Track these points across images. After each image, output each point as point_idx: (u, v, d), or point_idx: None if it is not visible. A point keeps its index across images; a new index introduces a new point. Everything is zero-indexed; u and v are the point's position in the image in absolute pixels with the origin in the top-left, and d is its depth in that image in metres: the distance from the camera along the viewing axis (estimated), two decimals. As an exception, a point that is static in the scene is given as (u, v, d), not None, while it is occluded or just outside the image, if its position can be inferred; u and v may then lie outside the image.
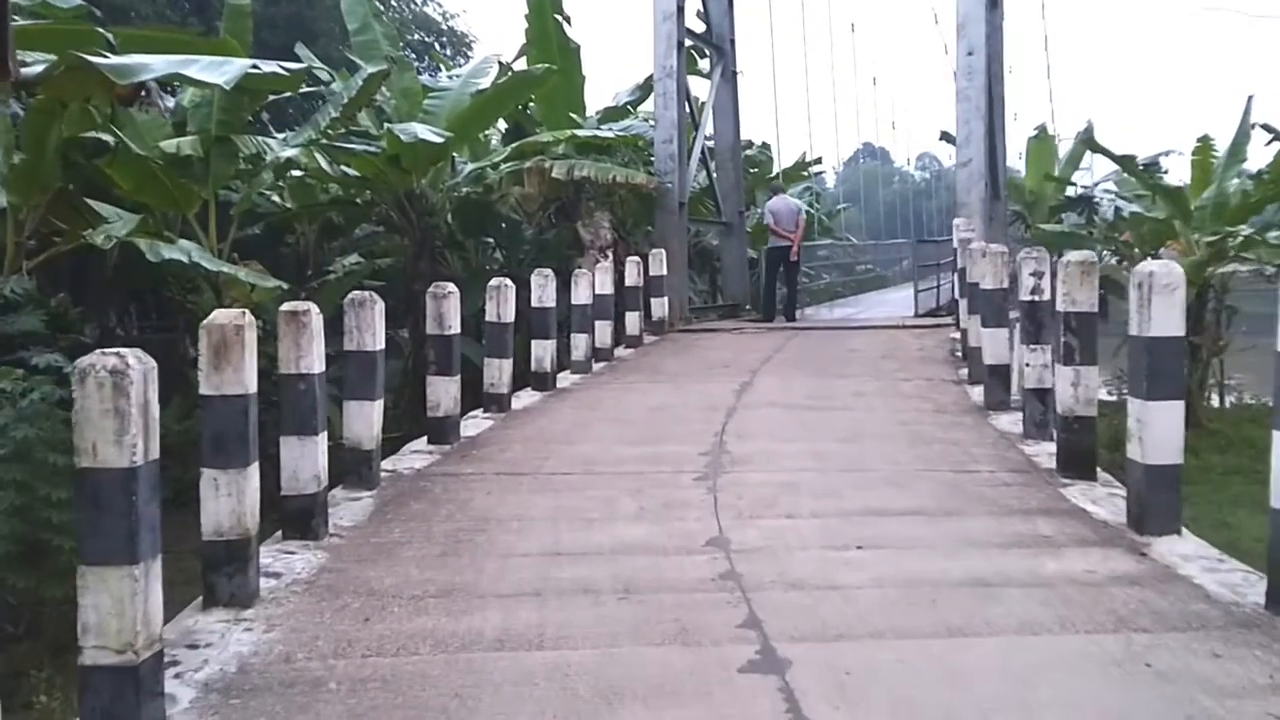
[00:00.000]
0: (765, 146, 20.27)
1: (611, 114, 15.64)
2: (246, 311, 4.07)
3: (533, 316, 9.02)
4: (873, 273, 22.75)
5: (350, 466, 5.77)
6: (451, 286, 6.88)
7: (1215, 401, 16.32)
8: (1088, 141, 15.37)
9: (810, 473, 5.82)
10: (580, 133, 13.22)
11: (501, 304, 7.86)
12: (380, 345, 5.77)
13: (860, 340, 11.41)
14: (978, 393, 8.08)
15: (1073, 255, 5.40)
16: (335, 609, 3.93)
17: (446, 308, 6.80)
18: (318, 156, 11.65)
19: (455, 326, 6.87)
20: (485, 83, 13.07)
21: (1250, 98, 15.31)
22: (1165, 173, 21.34)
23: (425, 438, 6.93)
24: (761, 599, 3.92)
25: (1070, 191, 22.17)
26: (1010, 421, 6.99)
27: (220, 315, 3.97)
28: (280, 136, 11.75)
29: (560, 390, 9.00)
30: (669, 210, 13.70)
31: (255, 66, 7.50)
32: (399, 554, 4.60)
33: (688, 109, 14.48)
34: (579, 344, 9.91)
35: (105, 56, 6.75)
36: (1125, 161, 15.25)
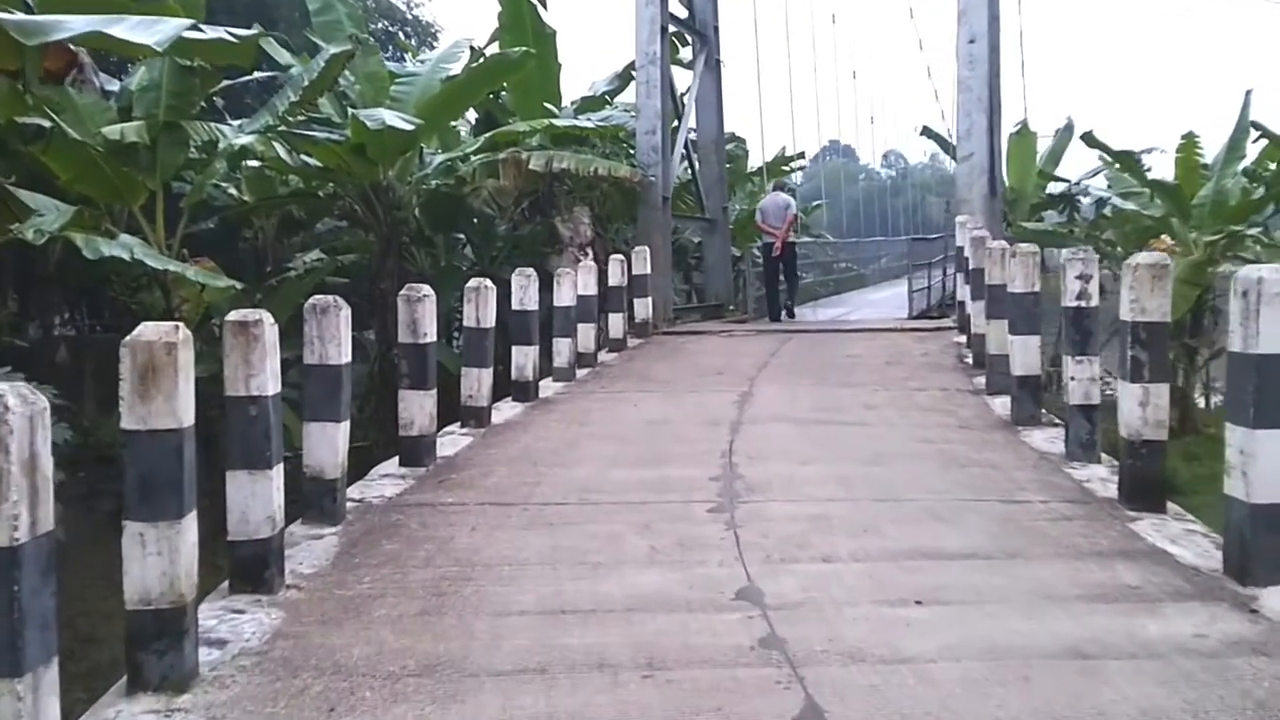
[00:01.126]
0: (740, 140, 19.58)
1: (589, 104, 14.87)
2: (180, 326, 3.29)
3: (512, 320, 8.27)
4: (852, 271, 22.18)
5: (311, 498, 5.00)
6: (426, 289, 6.11)
7: (1202, 403, 15.95)
8: (1085, 137, 14.81)
9: (840, 503, 5.12)
10: (558, 122, 12.45)
11: (481, 307, 7.10)
12: (346, 358, 5.00)
13: (859, 344, 10.76)
14: (1000, 405, 7.43)
15: (1142, 258, 4.74)
16: (292, 695, 3.17)
17: (421, 313, 6.03)
18: (276, 145, 10.83)
19: (431, 334, 6.10)
20: (456, 68, 12.26)
21: (1249, 92, 14.85)
22: (1149, 170, 20.99)
23: (397, 459, 6.16)
24: (817, 677, 3.21)
25: (1054, 188, 21.77)
26: (1046, 440, 6.34)
27: (147, 331, 3.19)
28: (236, 124, 10.90)
29: (544, 401, 8.25)
30: (652, 205, 12.97)
31: (196, 28, 6.64)
32: (370, 612, 3.85)
33: (671, 99, 13.76)
34: (562, 349, 9.16)
35: (11, 13, 5.88)
36: (1123, 158, 14.74)
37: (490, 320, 7.15)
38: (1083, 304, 5.70)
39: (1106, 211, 19.45)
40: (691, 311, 14.36)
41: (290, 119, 10.40)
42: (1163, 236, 17.18)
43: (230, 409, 4.07)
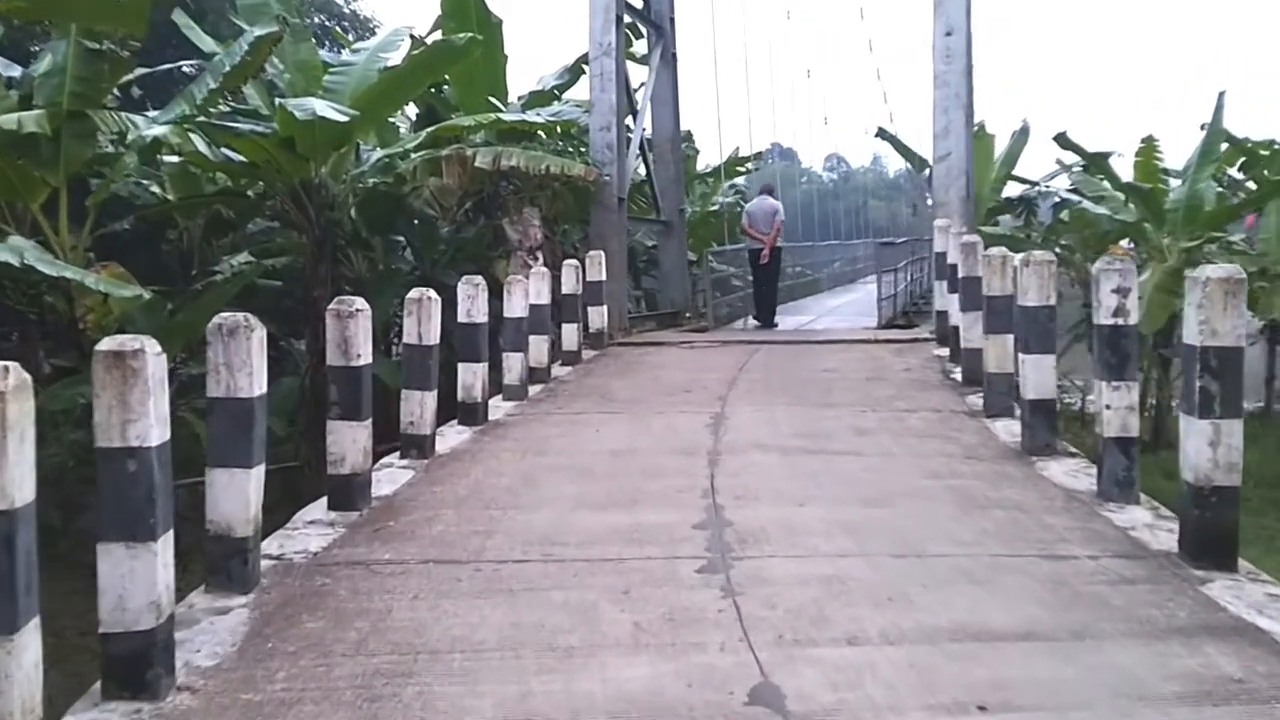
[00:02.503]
0: (689, 137, 18.78)
1: (537, 99, 13.98)
2: (11, 367, 2.39)
3: (459, 334, 7.38)
4: (807, 277, 21.55)
5: (217, 561, 4.09)
6: (360, 303, 5.20)
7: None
8: (1059, 138, 14.31)
9: (852, 559, 4.33)
10: (505, 116, 11.56)
11: (424, 321, 6.20)
12: (259, 388, 4.09)
13: (833, 357, 10.02)
14: (1004, 430, 6.74)
15: (1213, 270, 4.02)
16: None
17: (354, 330, 5.12)
18: (194, 138, 9.80)
19: (365, 354, 5.19)
20: (396, 58, 11.33)
21: (1223, 94, 14.45)
22: (1101, 180, 20.67)
23: (325, 500, 5.24)
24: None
25: (1009, 191, 21.36)
26: (1067, 473, 5.64)
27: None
28: (152, 115, 9.85)
29: (494, 424, 7.37)
30: (607, 206, 12.13)
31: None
32: (282, 729, 2.97)
33: (626, 94, 12.93)
34: (513, 365, 8.29)
35: None
36: (1098, 160, 14.25)
37: (434, 336, 6.25)
38: (1120, 321, 4.99)
39: (1064, 216, 19.09)
40: (646, 320, 13.54)
41: (210, 109, 9.41)
42: (1121, 242, 16.81)
43: (102, 464, 3.17)
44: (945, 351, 9.80)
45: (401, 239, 12.93)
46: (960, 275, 8.15)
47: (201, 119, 9.35)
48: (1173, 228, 14.05)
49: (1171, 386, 15.17)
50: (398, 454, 6.27)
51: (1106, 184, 15.99)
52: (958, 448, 6.32)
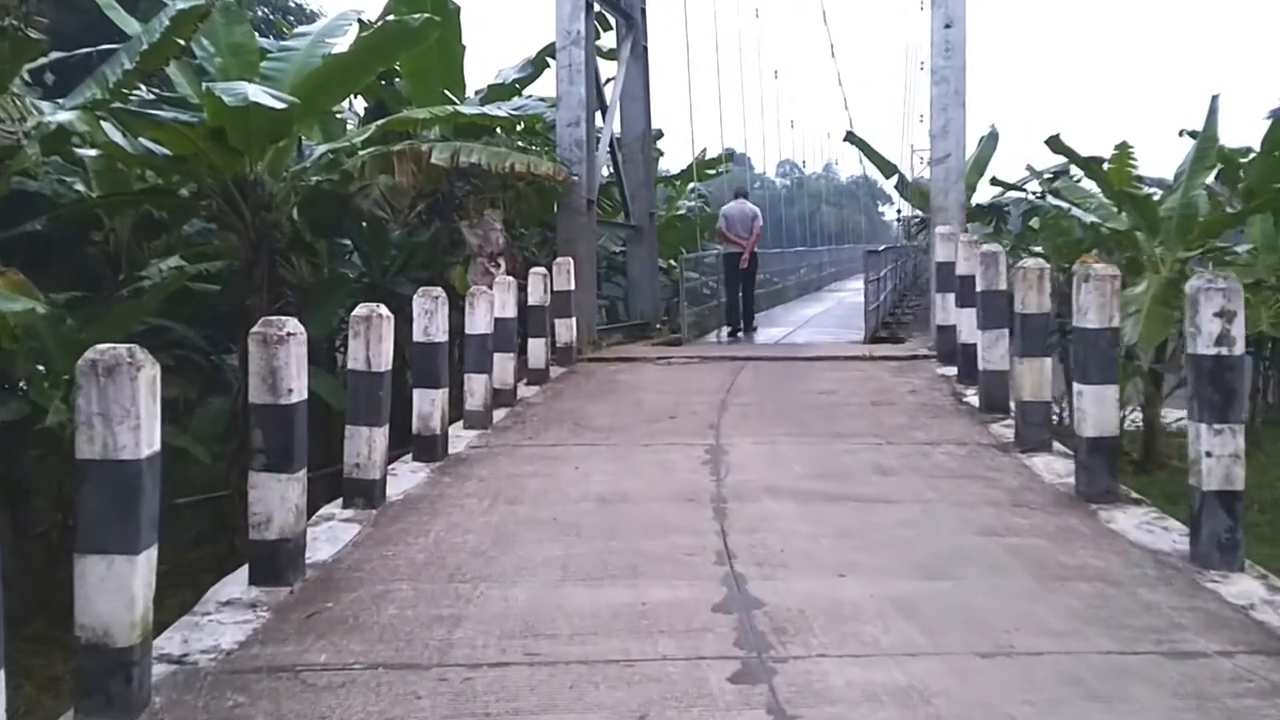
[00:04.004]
0: (660, 136, 17.81)
1: (496, 93, 12.92)
2: None
3: (415, 355, 6.33)
4: (774, 285, 20.69)
5: (91, 678, 3.04)
6: (292, 324, 4.15)
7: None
8: (1051, 141, 13.53)
9: (927, 660, 3.38)
10: (465, 110, 10.51)
11: (373, 344, 5.15)
12: (150, 447, 3.06)
13: (827, 377, 9.11)
14: (1045, 468, 5.86)
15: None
16: None
17: (284, 359, 4.06)
18: (106, 126, 8.62)
19: (299, 389, 4.14)
20: (342, 44, 10.22)
21: (1216, 97, 13.80)
22: (1078, 180, 20.07)
23: (245, 570, 4.19)
24: None
25: (979, 198, 20.72)
26: (1139, 527, 4.76)
27: None
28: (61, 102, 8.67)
29: (455, 460, 6.33)
30: (575, 209, 11.11)
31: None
32: None
33: (596, 87, 11.93)
34: (475, 388, 7.25)
35: None
36: (1091, 164, 13.51)
37: (386, 361, 5.20)
38: (1224, 351, 4.11)
39: (1034, 223, 18.47)
40: (613, 332, 12.53)
41: (126, 93, 8.26)
42: (1093, 251, 16.14)
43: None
44: (951, 370, 8.93)
45: (348, 242, 11.84)
46: (980, 289, 7.27)
47: (116, 105, 8.18)
48: (1165, 237, 13.39)
49: (1163, 402, 14.53)
50: (340, 502, 5.21)
51: (1095, 190, 15.34)
52: (1002, 493, 5.41)
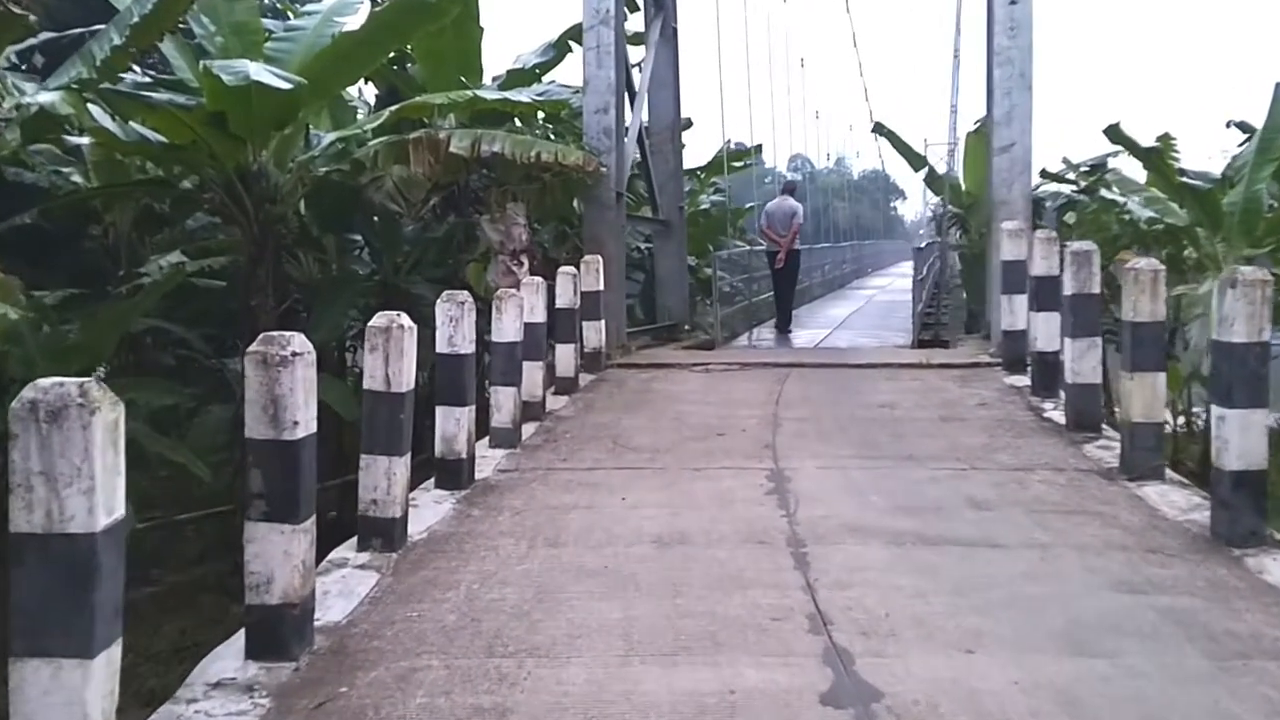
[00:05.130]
0: (689, 125, 16.99)
1: (515, 79, 12.14)
2: None
3: (439, 369, 5.55)
4: (801, 284, 19.83)
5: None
6: (297, 342, 3.38)
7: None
8: (1110, 131, 12.71)
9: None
10: (485, 95, 9.73)
11: (393, 358, 4.37)
12: (110, 514, 2.29)
13: (884, 387, 8.32)
14: (1163, 501, 5.09)
15: None
16: None
17: (287, 384, 3.29)
18: (94, 109, 7.87)
19: (306, 422, 3.36)
20: (353, 23, 9.45)
21: (1279, 84, 13.00)
22: (1108, 174, 19.22)
23: (242, 640, 3.43)
24: None
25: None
26: (1311, 581, 3.98)
27: None
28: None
29: (485, 488, 5.56)
30: (603, 203, 10.33)
31: None
32: None
33: (625, 71, 11.14)
34: (503, 402, 6.48)
35: None
36: (1151, 155, 12.68)
37: (408, 380, 4.43)
38: None
39: (1069, 218, 17.67)
40: (640, 335, 11.74)
41: (116, 72, 7.51)
42: (1132, 247, 15.32)
43: None
44: (1021, 380, 8.15)
45: (358, 238, 11.09)
46: (1069, 292, 6.48)
47: (105, 86, 7.43)
48: (1227, 233, 12.56)
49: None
50: (355, 543, 4.45)
51: (1141, 183, 14.52)
52: (1125, 534, 4.63)
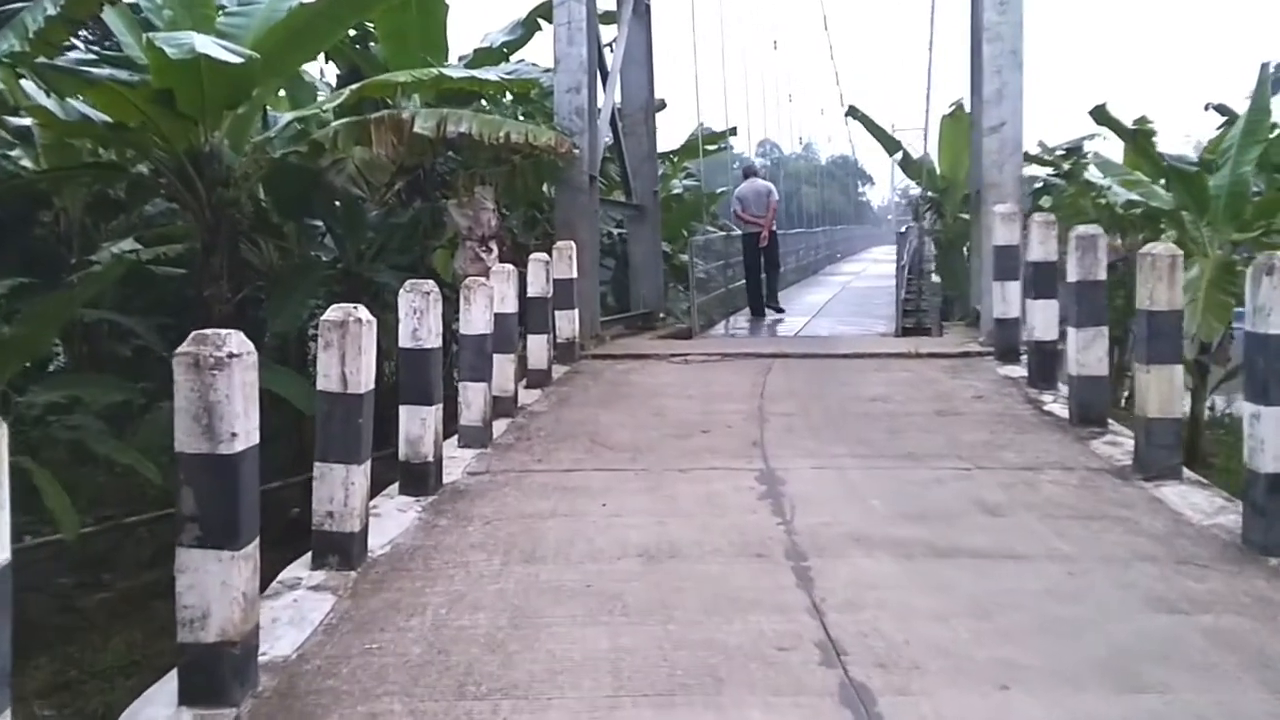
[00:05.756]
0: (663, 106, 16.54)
1: (482, 58, 11.66)
2: None
3: (403, 365, 5.10)
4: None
5: None
6: (236, 342, 2.91)
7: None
8: (1096, 112, 12.43)
9: None
10: (451, 73, 9.24)
11: (349, 355, 3.92)
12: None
13: (873, 379, 7.95)
14: (1185, 503, 4.76)
15: None
16: None
17: (223, 390, 2.84)
18: (23, 85, 7.32)
19: (248, 433, 2.92)
20: (312, -2, 8.93)
21: (1266, 64, 12.73)
22: (1086, 158, 19.04)
23: (174, 678, 2.98)
24: None
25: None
26: (1360, 596, 3.64)
27: None
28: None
29: (452, 493, 5.12)
30: (576, 186, 9.87)
31: None
32: None
33: (598, 48, 10.67)
34: (473, 398, 6.04)
35: None
36: (1138, 137, 12.40)
37: (367, 379, 3.97)
38: None
39: (1044, 202, 17.44)
40: (613, 324, 11.30)
41: (52, 44, 6.96)
42: (1112, 232, 15.09)
43: None
44: (1015, 371, 7.82)
45: (319, 224, 10.57)
46: (1074, 279, 6.12)
47: (40, 60, 6.89)
48: (1213, 217, 12.31)
49: (1209, 396, 13.52)
50: (309, 561, 4.00)
51: (1122, 166, 14.26)
52: (1150, 541, 4.28)
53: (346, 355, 3.90)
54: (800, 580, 3.86)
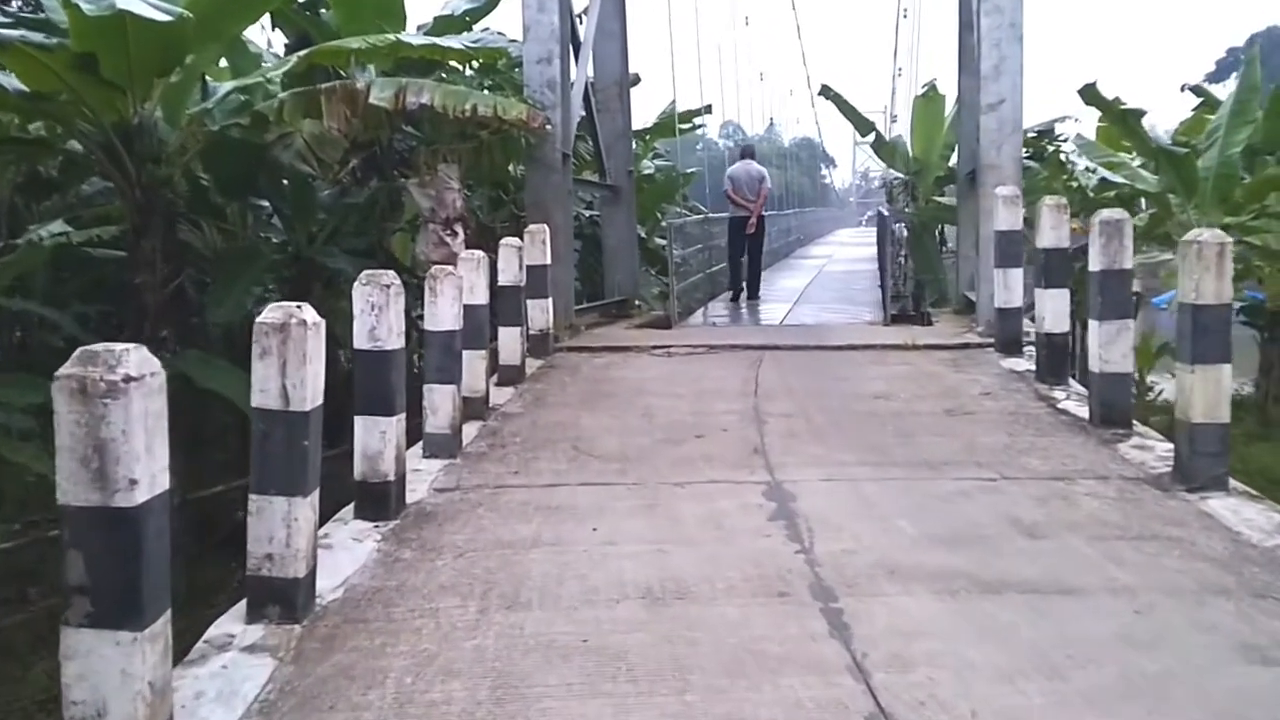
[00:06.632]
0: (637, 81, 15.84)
1: (444, 26, 10.88)
2: None
3: (359, 369, 4.42)
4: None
5: None
6: (136, 362, 2.25)
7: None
8: (1085, 92, 11.94)
9: None
10: (410, 39, 8.50)
11: (291, 365, 3.25)
12: None
13: (871, 372, 7.39)
14: (1237, 519, 4.28)
15: None
16: None
17: (117, 424, 2.19)
18: (-74, 47, 6.51)
19: (154, 478, 2.26)
20: (253, -45, 8.13)
21: (1256, 43, 12.37)
22: (1063, 139, 18.69)
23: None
24: None
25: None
26: None
27: None
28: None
29: (417, 516, 4.47)
30: (548, 165, 9.19)
31: None
32: None
33: (570, 18, 9.97)
34: (441, 402, 5.38)
35: None
36: (1127, 118, 11.94)
37: (313, 395, 3.31)
38: None
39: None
40: (587, 312, 10.66)
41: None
42: (1080, 215, 14.75)
43: None
44: (1019, 364, 7.31)
45: (267, 204, 9.80)
46: (1097, 268, 5.58)
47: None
48: (1200, 200, 11.91)
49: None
50: (244, 613, 3.35)
51: (1118, 149, 13.84)
52: (1217, 569, 3.74)
53: (288, 365, 3.24)
54: (833, 627, 3.27)
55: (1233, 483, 4.70)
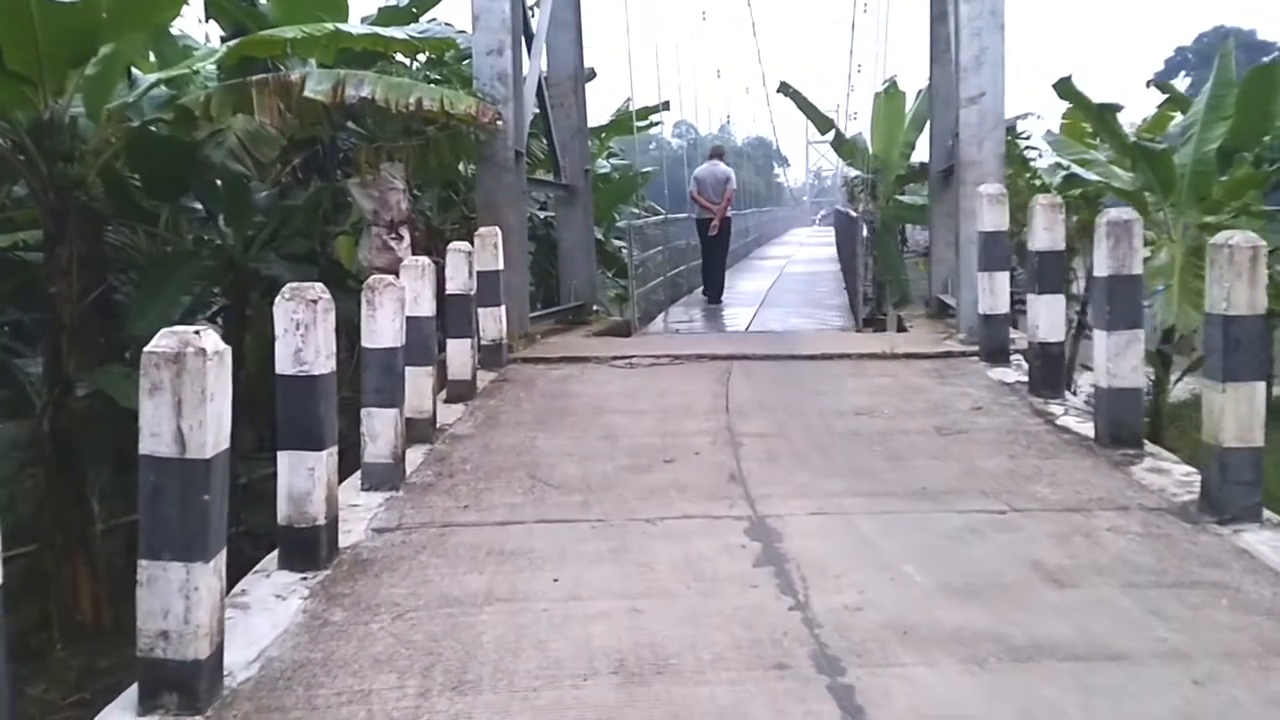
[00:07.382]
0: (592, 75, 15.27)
1: (388, 17, 10.26)
2: None
3: (282, 396, 3.80)
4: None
5: None
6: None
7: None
8: (1060, 86, 11.55)
9: None
10: (351, 29, 7.88)
11: (188, 404, 2.65)
12: None
13: (850, 385, 6.89)
14: (1274, 553, 3.79)
15: None
16: None
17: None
18: None
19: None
20: (178, -64, 7.46)
21: (1230, 38, 12.10)
22: (1027, 136, 18.44)
23: None
24: None
25: (917, 158, 18.90)
26: None
27: None
28: None
29: (351, 565, 3.88)
30: (500, 164, 8.60)
31: None
32: None
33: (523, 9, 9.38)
34: (381, 428, 4.78)
35: None
36: (1105, 114, 11.58)
37: (219, 438, 2.71)
38: None
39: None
40: (542, 318, 10.07)
41: None
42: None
43: None
44: (1008, 375, 6.86)
45: (200, 206, 9.11)
46: (1104, 273, 5.12)
47: None
48: (1177, 198, 11.60)
49: (1172, 388, 12.88)
50: (134, 704, 2.74)
51: (1083, 144, 13.54)
52: (1273, 622, 3.28)
53: (184, 403, 2.64)
54: (846, 712, 2.74)
55: (1266, 513, 4.26)
